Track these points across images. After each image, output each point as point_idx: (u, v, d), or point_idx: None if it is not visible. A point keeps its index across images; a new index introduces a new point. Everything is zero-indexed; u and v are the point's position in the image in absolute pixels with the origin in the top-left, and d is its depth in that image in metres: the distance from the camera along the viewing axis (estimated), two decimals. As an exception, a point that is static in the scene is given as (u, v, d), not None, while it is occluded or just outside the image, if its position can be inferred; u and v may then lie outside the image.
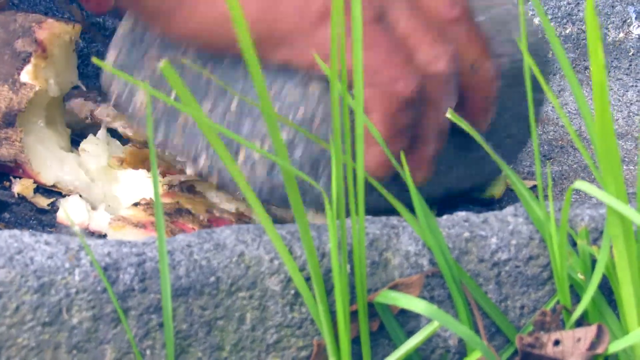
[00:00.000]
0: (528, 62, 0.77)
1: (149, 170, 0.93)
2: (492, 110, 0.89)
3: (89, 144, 0.91)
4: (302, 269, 0.71)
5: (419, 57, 0.84)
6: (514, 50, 0.93)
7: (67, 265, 0.68)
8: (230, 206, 0.90)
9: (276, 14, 0.83)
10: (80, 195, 0.91)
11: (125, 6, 0.91)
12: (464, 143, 0.86)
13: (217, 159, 0.88)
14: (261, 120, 0.86)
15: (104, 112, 0.98)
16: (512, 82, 0.91)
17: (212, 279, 0.71)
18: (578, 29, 1.23)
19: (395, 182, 0.85)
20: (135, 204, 0.85)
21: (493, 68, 0.87)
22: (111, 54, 0.91)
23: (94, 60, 0.76)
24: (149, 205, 0.86)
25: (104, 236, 0.91)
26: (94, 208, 0.89)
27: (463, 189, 0.96)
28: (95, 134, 0.99)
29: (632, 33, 1.17)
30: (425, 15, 0.86)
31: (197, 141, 0.89)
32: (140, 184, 0.89)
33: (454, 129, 0.83)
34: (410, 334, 0.73)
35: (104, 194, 0.90)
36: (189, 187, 0.90)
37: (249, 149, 0.88)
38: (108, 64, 0.88)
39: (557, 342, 0.71)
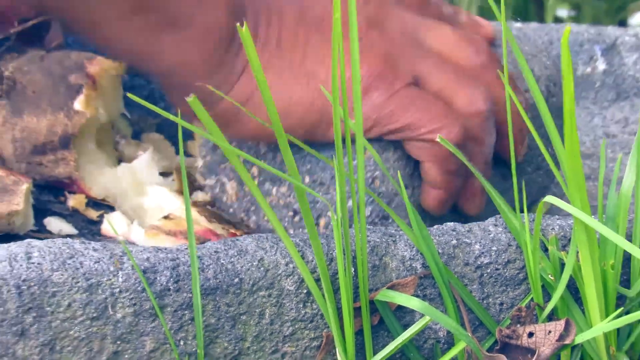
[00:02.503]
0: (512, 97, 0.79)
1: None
2: (526, 141, 0.89)
3: (137, 164, 0.92)
4: (312, 271, 0.73)
5: (457, 103, 0.84)
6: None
7: (111, 268, 0.70)
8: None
9: (324, 102, 0.84)
10: (120, 208, 0.94)
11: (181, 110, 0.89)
12: (505, 172, 0.86)
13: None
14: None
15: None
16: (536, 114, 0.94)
17: (236, 280, 0.73)
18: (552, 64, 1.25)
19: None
20: (166, 217, 0.86)
21: (523, 103, 0.87)
22: (201, 154, 0.94)
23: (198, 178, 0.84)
24: (178, 218, 0.87)
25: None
26: (130, 219, 0.90)
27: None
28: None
29: (598, 68, 1.17)
30: (454, 67, 0.86)
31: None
32: (165, 199, 0.90)
33: (497, 159, 0.85)
34: (406, 327, 0.74)
35: (137, 205, 0.91)
36: (215, 215, 0.89)
37: (328, 217, 0.88)
38: (200, 161, 0.89)
39: (530, 334, 0.73)
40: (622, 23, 1.41)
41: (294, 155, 0.84)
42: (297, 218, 0.89)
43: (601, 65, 1.17)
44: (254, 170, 0.89)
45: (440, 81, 0.84)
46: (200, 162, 0.94)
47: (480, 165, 0.85)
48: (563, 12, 1.38)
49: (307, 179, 0.89)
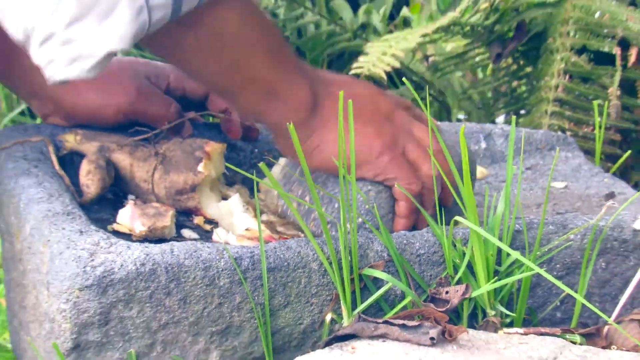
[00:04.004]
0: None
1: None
2: (451, 198, 0.96)
3: (231, 201, 0.99)
4: (327, 258, 0.85)
5: (421, 170, 0.93)
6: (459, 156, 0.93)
7: (217, 257, 0.83)
8: (290, 233, 0.96)
9: (362, 151, 0.91)
10: (222, 225, 0.98)
11: (282, 152, 0.98)
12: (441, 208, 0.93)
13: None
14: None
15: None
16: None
17: (285, 263, 0.85)
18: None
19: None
20: (247, 229, 0.94)
21: (452, 174, 0.90)
22: (279, 179, 1.00)
23: (267, 181, 0.87)
24: (253, 230, 0.94)
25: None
26: (227, 231, 0.96)
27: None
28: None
29: (481, 146, 1.23)
30: (423, 148, 0.94)
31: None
32: (246, 220, 0.96)
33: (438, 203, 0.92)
34: (378, 288, 0.88)
35: (230, 223, 0.97)
36: (272, 227, 0.97)
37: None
38: (278, 185, 0.91)
39: (447, 292, 0.87)
40: (493, 121, 1.55)
41: (318, 182, 0.94)
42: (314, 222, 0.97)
43: (483, 145, 1.24)
44: (305, 196, 0.96)
45: (415, 155, 0.94)
46: (275, 193, 1.00)
47: (429, 205, 0.95)
48: (461, 116, 1.57)
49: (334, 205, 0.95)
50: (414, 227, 0.95)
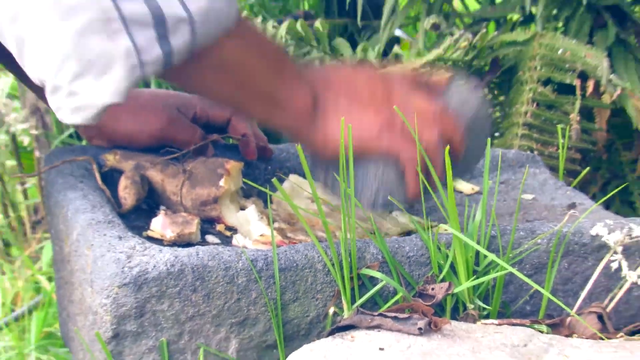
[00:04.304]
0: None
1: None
2: (461, 151, 0.95)
3: (248, 211, 0.98)
4: (330, 260, 0.85)
5: (423, 137, 0.91)
6: (469, 112, 0.96)
7: (236, 259, 0.83)
8: (298, 239, 0.95)
9: (363, 134, 0.91)
10: (240, 232, 0.97)
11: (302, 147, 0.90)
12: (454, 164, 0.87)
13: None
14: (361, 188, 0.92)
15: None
16: (468, 132, 0.96)
17: (294, 264, 0.85)
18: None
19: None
20: (261, 235, 0.93)
21: (458, 135, 0.92)
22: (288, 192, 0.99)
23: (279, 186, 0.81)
24: (267, 236, 0.93)
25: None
26: (245, 237, 0.95)
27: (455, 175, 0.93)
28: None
29: None
30: (424, 116, 0.92)
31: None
32: (261, 227, 0.95)
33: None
34: (374, 286, 0.87)
35: (247, 230, 0.96)
36: (284, 233, 0.95)
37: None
38: (289, 197, 0.87)
39: (432, 289, 0.86)
40: None
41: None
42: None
43: None
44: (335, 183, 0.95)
45: (421, 127, 0.92)
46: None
47: (437, 166, 0.91)
48: None
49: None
50: (426, 191, 0.92)
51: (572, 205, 1.08)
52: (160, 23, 0.73)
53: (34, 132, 1.48)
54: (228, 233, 0.98)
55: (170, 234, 0.91)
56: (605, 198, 1.00)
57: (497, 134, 1.50)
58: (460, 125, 0.93)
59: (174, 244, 0.91)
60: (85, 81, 0.73)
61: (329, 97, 0.90)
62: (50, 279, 1.44)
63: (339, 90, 0.89)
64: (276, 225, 0.98)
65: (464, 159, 0.96)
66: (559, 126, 1.25)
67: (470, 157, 0.97)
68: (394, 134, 0.91)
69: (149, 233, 0.93)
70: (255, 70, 0.86)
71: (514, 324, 0.86)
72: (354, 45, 1.91)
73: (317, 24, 1.65)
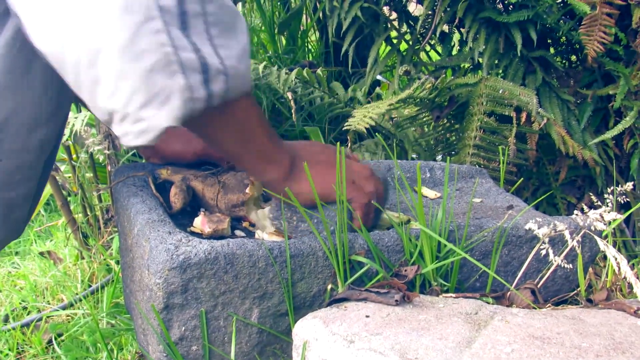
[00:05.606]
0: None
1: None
2: (383, 195, 0.92)
3: (266, 210, 0.94)
4: (328, 248, 0.84)
5: (365, 189, 0.90)
6: (382, 175, 0.94)
7: (257, 248, 0.82)
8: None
9: (328, 192, 0.88)
10: (259, 227, 0.94)
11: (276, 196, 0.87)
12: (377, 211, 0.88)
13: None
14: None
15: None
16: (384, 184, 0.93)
17: (301, 252, 0.84)
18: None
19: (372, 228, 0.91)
20: (276, 229, 0.91)
21: (382, 187, 0.91)
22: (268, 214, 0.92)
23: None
24: (280, 231, 0.91)
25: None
26: (263, 231, 0.93)
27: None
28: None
29: (427, 174, 1.16)
30: (366, 178, 0.91)
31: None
32: (269, 223, 0.92)
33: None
34: (361, 268, 0.86)
35: (265, 225, 0.94)
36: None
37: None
38: (300, 205, 0.83)
39: (405, 270, 0.86)
40: (434, 159, 1.48)
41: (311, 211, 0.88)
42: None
43: (428, 174, 1.18)
44: (294, 217, 0.90)
45: (362, 182, 0.91)
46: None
47: (372, 209, 0.90)
48: (414, 155, 1.45)
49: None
50: (370, 224, 0.91)
51: (510, 207, 1.06)
52: (205, 71, 0.71)
53: (107, 152, 1.49)
54: (252, 228, 0.97)
55: (208, 229, 0.90)
56: (536, 202, 1.03)
57: (453, 153, 1.49)
58: (382, 182, 0.92)
59: (210, 237, 0.90)
60: (150, 109, 0.70)
61: (301, 160, 0.87)
62: (117, 263, 1.45)
63: (305, 156, 0.86)
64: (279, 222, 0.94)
65: (383, 198, 0.94)
66: (500, 147, 1.26)
67: (385, 197, 0.95)
68: (353, 189, 0.89)
69: (192, 229, 0.91)
70: (257, 131, 0.82)
71: (467, 297, 0.85)
72: (346, 87, 1.90)
73: (319, 71, 1.66)
